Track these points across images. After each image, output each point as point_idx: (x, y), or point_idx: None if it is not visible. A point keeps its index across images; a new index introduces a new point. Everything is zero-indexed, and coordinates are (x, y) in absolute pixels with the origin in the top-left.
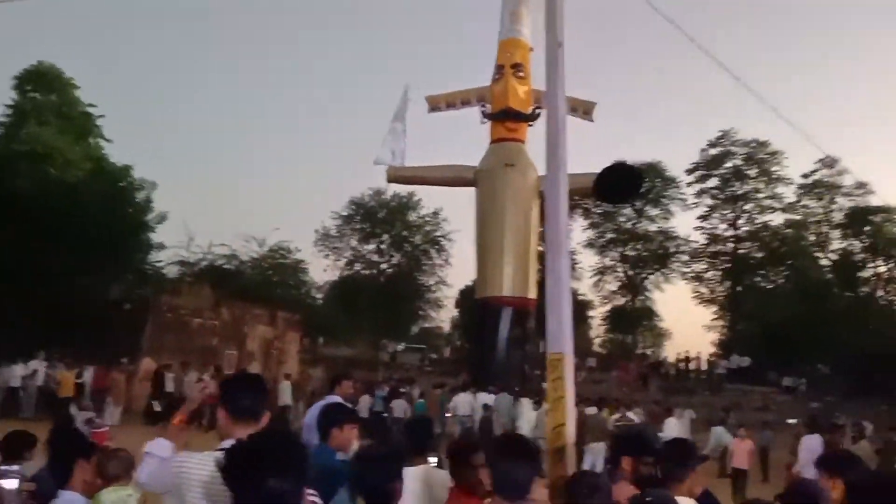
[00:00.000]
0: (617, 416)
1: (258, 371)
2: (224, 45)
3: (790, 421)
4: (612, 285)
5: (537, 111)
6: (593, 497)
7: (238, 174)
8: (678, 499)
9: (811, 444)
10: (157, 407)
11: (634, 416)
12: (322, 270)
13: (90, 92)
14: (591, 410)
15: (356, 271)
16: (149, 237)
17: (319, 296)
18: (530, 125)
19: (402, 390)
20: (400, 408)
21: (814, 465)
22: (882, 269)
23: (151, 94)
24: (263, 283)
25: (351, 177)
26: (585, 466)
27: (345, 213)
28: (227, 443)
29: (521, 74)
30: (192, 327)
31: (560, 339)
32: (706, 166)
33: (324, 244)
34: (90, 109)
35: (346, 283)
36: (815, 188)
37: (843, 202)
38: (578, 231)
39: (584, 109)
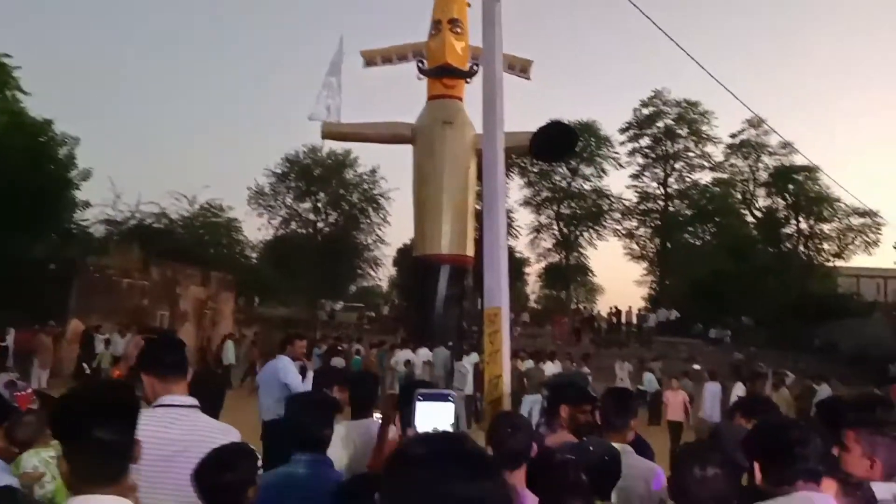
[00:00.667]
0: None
1: (192, 332)
2: None
3: (695, 367)
4: (547, 243)
5: (475, 68)
6: (515, 436)
7: (166, 130)
8: (617, 446)
9: (713, 390)
10: (87, 369)
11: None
12: (256, 229)
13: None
14: (529, 364)
15: (292, 230)
16: (73, 195)
17: (254, 255)
18: (468, 82)
19: (339, 348)
20: (339, 365)
21: (731, 409)
22: (803, 225)
23: (72, 44)
24: (195, 242)
25: (285, 133)
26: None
27: (279, 171)
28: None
29: (458, 30)
30: (121, 288)
31: (497, 293)
32: (638, 126)
33: (257, 202)
34: (5, 60)
35: (281, 242)
36: (741, 148)
37: (769, 161)
38: (515, 189)
39: (521, 67)
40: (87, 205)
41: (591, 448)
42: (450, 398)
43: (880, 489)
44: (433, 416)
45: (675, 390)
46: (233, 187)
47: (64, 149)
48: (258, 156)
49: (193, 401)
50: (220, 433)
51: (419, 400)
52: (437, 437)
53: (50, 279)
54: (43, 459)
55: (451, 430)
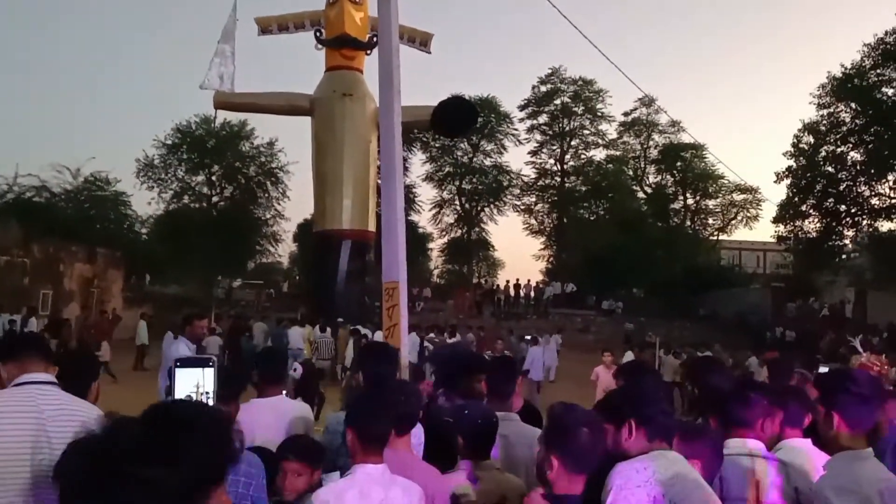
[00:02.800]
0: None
1: (78, 311)
2: None
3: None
4: (449, 218)
5: (374, 39)
6: (408, 402)
7: (47, 97)
8: (500, 414)
9: (535, 353)
10: None
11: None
12: (146, 203)
13: None
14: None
15: (184, 204)
16: None
17: (144, 231)
18: (368, 54)
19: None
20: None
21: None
22: (690, 201)
23: None
24: (79, 217)
25: (175, 102)
26: None
27: (169, 142)
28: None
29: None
30: None
31: (395, 268)
32: (536, 103)
33: (147, 175)
34: None
35: (173, 217)
36: (634, 126)
37: (659, 139)
38: (417, 165)
39: (421, 40)
40: None
41: (466, 412)
42: (210, 363)
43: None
44: (193, 382)
45: (609, 366)
46: (120, 159)
47: None
48: (147, 126)
49: (51, 377)
50: (84, 405)
51: (177, 367)
52: None
53: None
54: None
55: (211, 394)
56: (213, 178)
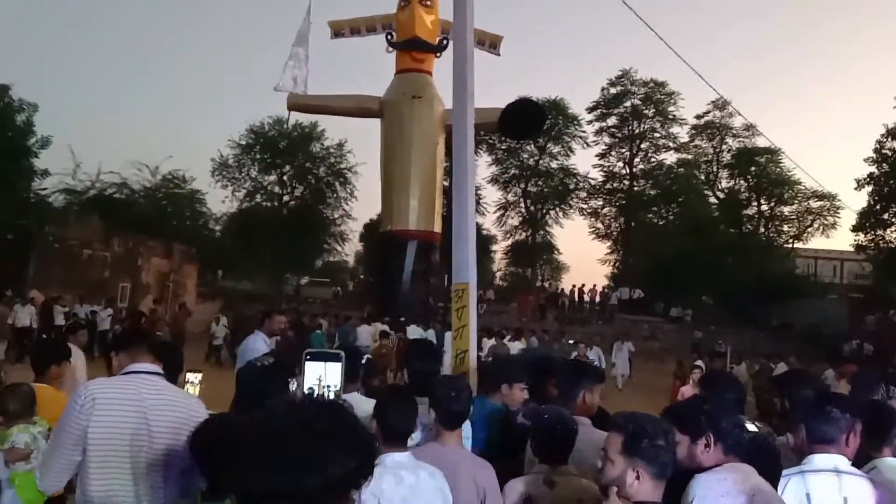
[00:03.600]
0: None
1: (153, 305)
2: None
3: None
4: (514, 220)
5: (445, 42)
6: (458, 398)
7: (128, 98)
8: (577, 418)
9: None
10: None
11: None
12: (220, 202)
13: None
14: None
15: (256, 203)
16: (31, 163)
17: (217, 228)
18: (437, 56)
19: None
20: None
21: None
22: (764, 207)
23: (31, 9)
24: (157, 213)
25: (250, 104)
26: None
27: (243, 143)
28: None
29: (428, 3)
30: (81, 259)
31: (465, 269)
32: (606, 105)
33: (221, 174)
34: None
35: (245, 215)
36: (706, 129)
37: (732, 143)
38: (483, 167)
39: (490, 42)
40: (45, 174)
41: (545, 416)
42: (338, 358)
43: None
44: (322, 375)
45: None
46: (196, 158)
47: (21, 115)
48: (223, 127)
49: (157, 368)
50: (182, 396)
51: (307, 359)
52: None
53: (7, 249)
54: (32, 435)
55: (338, 387)
56: (285, 177)
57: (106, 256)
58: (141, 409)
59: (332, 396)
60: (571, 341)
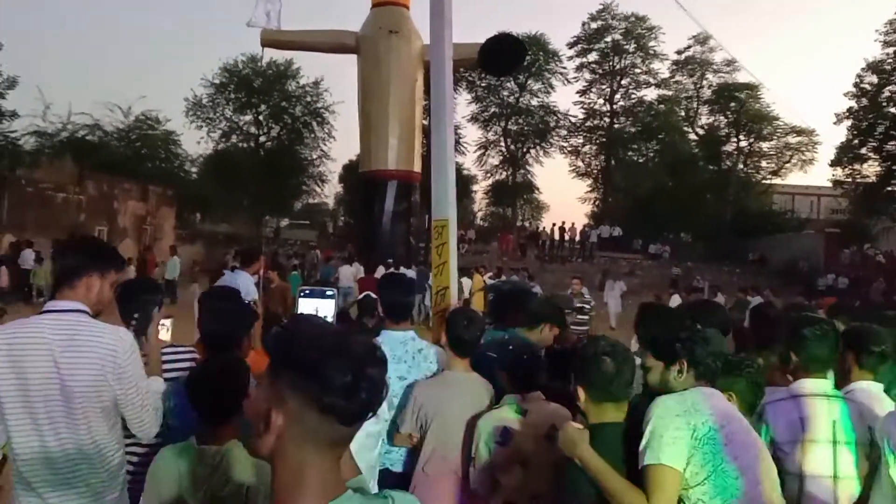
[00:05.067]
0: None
1: (132, 247)
2: None
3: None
4: (494, 160)
5: None
6: (469, 328)
7: (97, 36)
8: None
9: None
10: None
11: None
12: (195, 142)
13: None
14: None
15: (233, 144)
16: None
17: (194, 170)
18: None
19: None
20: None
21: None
22: (744, 143)
23: None
24: (131, 155)
25: (223, 41)
26: None
27: (217, 82)
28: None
29: None
30: (55, 202)
31: (444, 205)
32: (587, 40)
33: (196, 114)
34: None
35: (222, 157)
36: (687, 65)
37: (713, 79)
38: (463, 105)
39: None
40: (14, 115)
41: (510, 347)
42: (329, 294)
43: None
44: (315, 310)
45: None
46: (170, 98)
47: None
48: (195, 65)
49: (78, 305)
50: (90, 331)
51: (302, 295)
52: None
53: None
54: None
55: (331, 320)
56: (261, 117)
57: (81, 200)
58: (47, 352)
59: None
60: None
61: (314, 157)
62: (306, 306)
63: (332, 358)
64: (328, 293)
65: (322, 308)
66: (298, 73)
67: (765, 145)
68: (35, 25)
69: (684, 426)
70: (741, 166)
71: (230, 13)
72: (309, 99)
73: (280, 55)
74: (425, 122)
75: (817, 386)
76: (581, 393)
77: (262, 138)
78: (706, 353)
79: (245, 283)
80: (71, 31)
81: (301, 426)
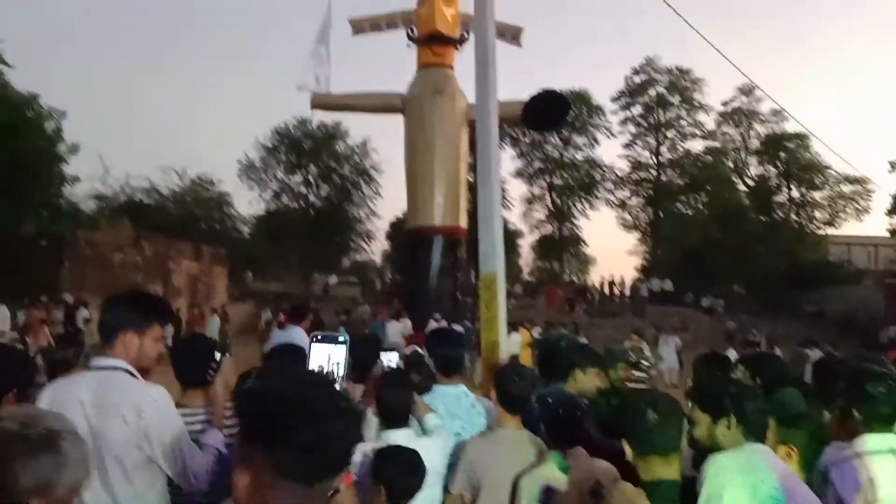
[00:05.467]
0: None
1: (185, 306)
2: None
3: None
4: (539, 214)
5: (465, 35)
6: (519, 383)
7: (155, 103)
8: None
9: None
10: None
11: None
12: (247, 203)
13: None
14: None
15: (283, 204)
16: (61, 170)
17: (246, 229)
18: (457, 49)
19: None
20: None
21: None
22: (795, 193)
23: (57, 16)
24: (186, 216)
25: (273, 104)
26: None
27: (269, 144)
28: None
29: None
30: (113, 263)
31: (492, 259)
32: (630, 94)
33: (248, 176)
34: None
35: (273, 216)
36: (733, 115)
37: (760, 129)
38: (507, 160)
39: (511, 34)
40: (75, 180)
41: (549, 400)
42: (341, 340)
43: None
44: (327, 357)
45: None
46: (223, 161)
47: (50, 123)
48: (248, 128)
49: (121, 363)
50: (120, 388)
51: (315, 341)
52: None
53: (41, 255)
54: None
55: (342, 369)
56: (310, 177)
57: (137, 260)
58: (80, 410)
59: (339, 373)
60: (634, 337)
61: (362, 214)
62: (318, 353)
63: (287, 416)
64: (340, 339)
65: (334, 355)
66: (347, 133)
67: (817, 195)
68: (95, 94)
69: (743, 485)
70: (794, 217)
71: (282, 77)
72: (357, 158)
73: (329, 117)
74: (470, 179)
75: (882, 442)
76: (627, 447)
77: (312, 197)
78: (756, 408)
79: (303, 340)
80: (130, 97)
81: (265, 487)
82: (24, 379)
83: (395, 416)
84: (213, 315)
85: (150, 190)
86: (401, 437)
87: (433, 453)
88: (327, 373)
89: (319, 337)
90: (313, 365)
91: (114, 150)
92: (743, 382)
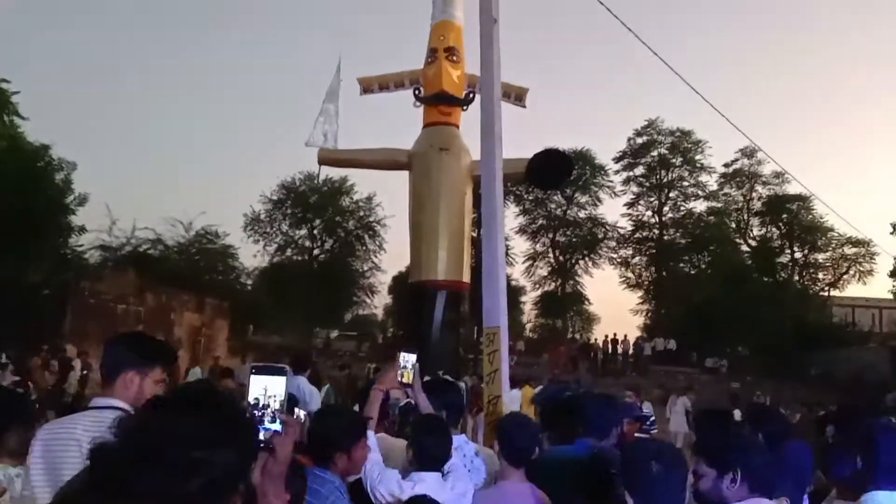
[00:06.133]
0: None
1: (186, 358)
2: (145, 21)
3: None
4: (543, 271)
5: (471, 95)
6: (522, 435)
7: (163, 156)
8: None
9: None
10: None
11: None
12: (252, 256)
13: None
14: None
15: (287, 257)
16: (69, 220)
17: (249, 282)
18: (464, 110)
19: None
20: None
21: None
22: (798, 254)
23: (71, 70)
24: (190, 268)
25: (280, 159)
26: None
27: (275, 198)
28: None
29: (454, 58)
30: (115, 314)
31: (495, 313)
32: (633, 155)
33: (253, 229)
34: (4, 85)
35: (276, 269)
36: (735, 177)
37: (762, 191)
38: (511, 217)
39: (516, 95)
40: (82, 230)
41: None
42: (280, 370)
43: None
44: (263, 389)
45: None
46: (229, 214)
47: (61, 174)
48: (254, 182)
49: (118, 402)
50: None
51: (252, 373)
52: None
53: (44, 305)
54: (9, 476)
55: (283, 402)
56: (315, 231)
57: (140, 311)
58: (77, 449)
59: (276, 406)
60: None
61: (365, 268)
62: (256, 384)
63: (152, 447)
64: (279, 370)
65: (271, 386)
66: (352, 188)
67: (820, 257)
68: (107, 145)
69: None
70: (797, 278)
71: (289, 133)
72: (362, 213)
73: (335, 172)
74: (473, 234)
75: (891, 500)
76: (630, 501)
77: (316, 251)
78: (762, 462)
79: (309, 389)
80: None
81: None
82: (24, 419)
83: (429, 461)
84: (193, 367)
85: (155, 241)
86: (429, 478)
87: (458, 498)
88: (262, 406)
89: (256, 368)
90: (250, 398)
91: (122, 201)
92: (748, 436)
